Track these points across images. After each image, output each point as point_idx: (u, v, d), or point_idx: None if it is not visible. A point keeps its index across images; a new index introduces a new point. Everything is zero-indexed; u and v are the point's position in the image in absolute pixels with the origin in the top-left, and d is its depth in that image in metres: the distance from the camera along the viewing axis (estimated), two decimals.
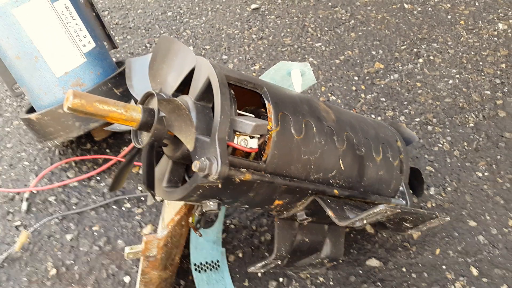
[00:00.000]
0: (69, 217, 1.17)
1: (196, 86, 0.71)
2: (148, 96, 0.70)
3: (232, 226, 1.12)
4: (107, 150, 1.33)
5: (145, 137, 0.70)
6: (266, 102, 0.74)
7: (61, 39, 1.16)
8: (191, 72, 0.72)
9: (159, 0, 2.00)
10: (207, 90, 0.69)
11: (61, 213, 1.17)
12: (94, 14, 1.40)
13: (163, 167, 0.75)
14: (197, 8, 1.93)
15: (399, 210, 0.70)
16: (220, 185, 0.64)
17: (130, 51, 1.73)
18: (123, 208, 1.17)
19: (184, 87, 0.74)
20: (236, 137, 0.68)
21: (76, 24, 1.20)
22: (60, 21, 1.16)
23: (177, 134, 0.64)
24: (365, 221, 0.73)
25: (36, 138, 1.27)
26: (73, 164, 1.31)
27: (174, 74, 0.66)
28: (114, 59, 1.66)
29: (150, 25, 1.85)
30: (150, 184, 0.65)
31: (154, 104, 0.67)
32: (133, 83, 0.74)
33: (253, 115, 0.75)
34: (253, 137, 0.69)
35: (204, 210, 0.71)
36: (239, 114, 0.72)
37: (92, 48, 1.22)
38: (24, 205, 1.20)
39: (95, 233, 1.13)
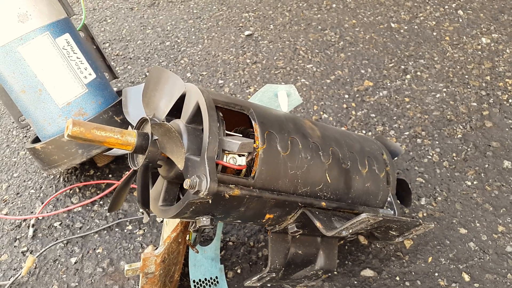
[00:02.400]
0: (74, 241, 1.21)
1: (187, 110, 0.77)
2: (142, 121, 0.75)
3: (230, 243, 1.16)
4: (110, 175, 1.39)
5: (140, 160, 0.75)
6: (253, 122, 0.79)
7: (63, 72, 1.23)
8: (182, 98, 0.78)
9: (157, 31, 2.09)
10: (197, 114, 0.74)
11: (66, 237, 1.22)
12: (94, 47, 1.48)
13: (158, 187, 0.80)
14: (193, 37, 2.01)
15: (381, 218, 0.74)
16: (210, 201, 0.69)
17: (130, 80, 1.80)
18: (125, 230, 1.22)
19: (177, 111, 0.80)
20: (225, 156, 0.73)
21: (77, 58, 1.27)
22: (62, 55, 1.23)
23: (169, 155, 0.69)
24: (350, 230, 0.77)
25: (41, 167, 1.33)
26: (77, 190, 1.36)
27: (165, 100, 0.72)
28: (115, 88, 1.73)
29: (149, 55, 1.93)
30: (144, 203, 0.70)
31: (148, 128, 0.73)
32: (129, 110, 0.80)
33: (241, 135, 0.81)
34: (241, 155, 0.74)
35: (198, 226, 0.76)
36: (228, 134, 0.77)
37: (93, 79, 1.29)
38: (30, 231, 1.25)
39: (98, 255, 1.17)
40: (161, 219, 1.22)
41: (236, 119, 0.89)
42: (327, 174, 0.86)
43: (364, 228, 0.79)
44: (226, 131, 0.77)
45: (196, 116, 0.75)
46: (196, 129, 0.76)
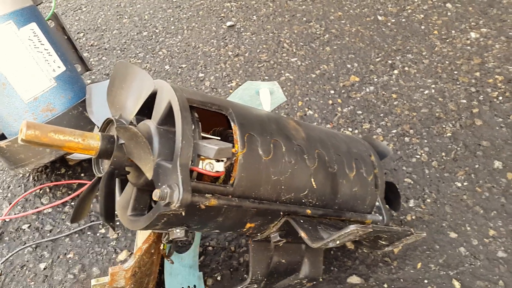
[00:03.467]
0: (43, 245, 1.14)
1: (158, 110, 0.69)
2: (108, 122, 0.68)
3: (210, 248, 1.09)
4: (82, 175, 1.30)
5: (106, 165, 0.68)
6: (232, 124, 0.72)
7: (29, 64, 1.13)
8: (154, 96, 0.71)
9: (134, 20, 1.99)
10: (169, 114, 0.67)
11: (35, 241, 1.14)
12: (65, 37, 1.38)
13: (127, 195, 0.73)
14: (172, 27, 1.92)
15: (371, 230, 0.69)
16: (183, 213, 0.62)
17: (105, 72, 1.71)
18: (97, 234, 1.14)
19: (149, 110, 0.73)
20: (201, 161, 0.66)
21: (45, 49, 1.17)
22: (27, 47, 1.13)
23: (137, 162, 0.62)
24: (338, 242, 0.71)
25: (7, 166, 1.24)
26: (47, 190, 1.28)
27: (133, 100, 0.64)
28: (89, 81, 1.64)
29: (125, 45, 1.83)
30: (108, 216, 0.63)
31: (114, 131, 0.65)
32: (93, 109, 0.72)
33: (219, 138, 0.74)
34: (219, 160, 0.68)
35: (170, 238, 0.69)
36: (204, 137, 0.70)
37: (62, 72, 1.20)
38: None
39: (69, 260, 1.09)
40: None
41: (214, 119, 0.82)
42: (312, 179, 0.80)
43: (352, 239, 0.73)
44: (203, 133, 0.70)
45: (169, 117, 0.67)
46: (169, 131, 0.68)
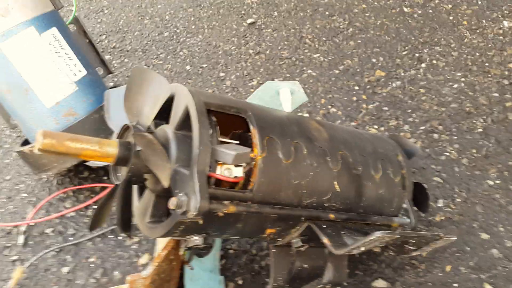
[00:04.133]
0: (66, 249, 1.14)
1: (176, 115, 0.68)
2: (125, 129, 0.67)
3: (231, 251, 1.08)
4: (104, 178, 1.31)
5: (123, 172, 0.67)
6: (251, 127, 0.70)
7: (50, 69, 1.14)
8: (171, 100, 0.69)
9: (155, 21, 2.00)
10: (187, 119, 0.66)
11: (58, 245, 1.15)
12: (87, 41, 1.39)
13: (146, 201, 0.72)
14: (193, 27, 1.91)
15: (398, 236, 0.65)
16: (201, 221, 0.61)
17: (127, 74, 1.71)
18: (119, 238, 1.14)
19: (168, 115, 0.71)
20: (219, 167, 0.65)
21: (66, 53, 1.18)
22: (48, 52, 1.14)
23: (153, 170, 0.60)
24: (362, 248, 0.68)
25: (31, 170, 1.26)
26: (71, 193, 1.29)
27: (150, 105, 0.63)
28: (111, 84, 1.65)
29: (147, 46, 1.84)
30: (125, 225, 0.62)
31: (131, 137, 0.64)
32: (111, 115, 0.72)
33: (237, 142, 0.72)
34: (237, 165, 0.66)
35: (189, 246, 0.68)
36: (222, 142, 0.68)
37: (84, 76, 1.20)
38: (21, 239, 1.18)
39: (91, 264, 1.10)
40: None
41: (233, 120, 0.80)
42: (335, 182, 0.77)
43: (378, 246, 0.70)
44: (222, 137, 0.68)
45: (186, 121, 0.66)
46: (186, 136, 0.67)
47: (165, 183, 0.58)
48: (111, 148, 0.62)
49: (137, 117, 0.66)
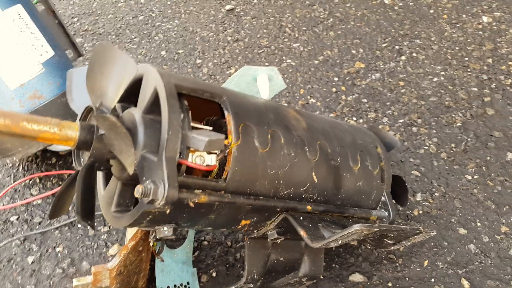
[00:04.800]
0: (32, 237, 1.09)
1: (144, 97, 0.63)
2: (88, 111, 0.62)
3: (206, 242, 1.04)
4: (73, 164, 1.25)
5: (87, 157, 0.62)
6: (226, 113, 0.66)
7: (14, 49, 1.07)
8: (140, 81, 0.64)
9: (130, 4, 1.92)
10: (156, 102, 0.61)
11: (23, 233, 1.09)
12: (56, 21, 1.32)
13: (112, 189, 0.67)
14: (169, 11, 1.85)
15: (377, 229, 0.63)
16: (169, 211, 0.56)
17: None
18: (88, 227, 1.09)
19: (136, 97, 0.66)
20: (191, 154, 0.60)
21: (32, 33, 1.11)
22: (12, 30, 1.07)
23: (117, 155, 0.56)
24: (340, 241, 0.66)
25: None
26: (37, 180, 1.23)
27: (114, 86, 0.58)
28: (83, 67, 1.57)
29: (120, 30, 1.76)
30: (86, 214, 0.57)
31: (94, 119, 0.59)
32: (74, 97, 0.66)
33: (210, 128, 0.67)
34: (210, 153, 0.62)
35: (158, 237, 0.64)
36: (194, 128, 0.64)
37: (51, 57, 1.14)
38: None
39: (58, 254, 1.05)
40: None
41: (207, 106, 0.76)
42: (313, 173, 0.74)
43: (356, 239, 0.67)
44: (194, 123, 0.64)
45: (155, 105, 0.61)
46: (155, 121, 0.62)
47: (130, 169, 0.53)
48: (71, 131, 0.57)
49: (101, 98, 0.61)
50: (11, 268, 1.03)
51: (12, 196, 1.20)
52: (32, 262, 1.03)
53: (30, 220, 1.13)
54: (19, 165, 1.27)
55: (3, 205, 1.18)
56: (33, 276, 1.01)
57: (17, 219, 1.14)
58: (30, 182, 1.23)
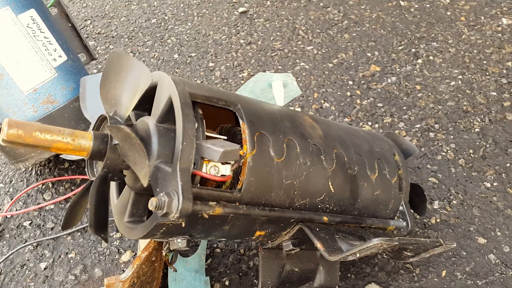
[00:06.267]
0: (44, 243, 1.09)
1: (158, 106, 0.62)
2: (102, 120, 0.61)
3: (218, 250, 1.03)
4: (86, 169, 1.24)
5: (100, 168, 0.61)
6: (241, 122, 0.64)
7: (28, 53, 1.07)
8: (154, 90, 0.63)
9: (143, 7, 1.92)
10: (170, 111, 0.59)
11: (36, 239, 1.09)
12: (69, 25, 1.31)
13: (125, 199, 0.66)
14: (182, 14, 1.84)
15: (397, 243, 0.61)
16: (184, 224, 0.55)
17: None
18: (108, 232, 1.08)
19: (150, 106, 0.65)
20: (205, 164, 0.59)
21: (45, 37, 1.11)
22: (26, 35, 1.07)
23: (131, 166, 0.54)
24: (358, 255, 0.63)
25: (8, 160, 1.19)
26: (50, 185, 1.23)
27: (128, 94, 0.57)
28: (95, 71, 1.57)
29: (133, 33, 1.76)
30: (99, 227, 0.56)
31: (107, 129, 0.58)
32: (87, 105, 0.65)
33: (225, 137, 0.66)
34: (225, 163, 0.60)
35: (171, 248, 0.62)
36: (209, 137, 0.62)
37: (64, 62, 1.13)
38: None
39: (71, 260, 1.04)
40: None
41: (221, 115, 0.74)
42: (330, 183, 0.72)
43: (375, 253, 0.65)
44: (208, 132, 0.63)
45: (169, 114, 0.60)
46: (170, 130, 0.61)
47: (144, 181, 0.52)
48: (85, 141, 0.56)
49: (115, 107, 0.60)
50: (24, 274, 1.03)
51: (25, 201, 1.20)
52: (45, 268, 1.03)
53: (43, 226, 1.13)
54: (31, 169, 1.28)
55: (16, 210, 1.18)
56: (45, 283, 1.00)
57: (30, 224, 1.14)
58: (43, 187, 1.22)
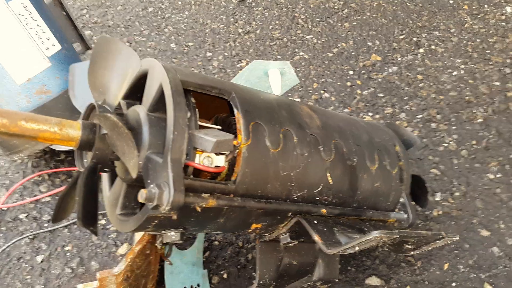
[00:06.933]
0: (41, 236, 1.07)
1: (149, 94, 0.59)
2: (91, 109, 0.58)
3: (216, 242, 1.01)
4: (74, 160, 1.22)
5: (90, 158, 0.58)
6: (235, 111, 0.62)
7: (20, 42, 1.04)
8: (144, 78, 0.61)
9: None
10: (161, 99, 0.57)
11: (32, 232, 1.08)
12: (64, 13, 1.29)
13: (117, 190, 0.64)
14: (179, 2, 1.81)
15: (397, 235, 0.59)
16: (175, 216, 0.53)
17: None
18: (97, 225, 1.07)
19: (141, 94, 0.63)
20: (198, 155, 0.57)
21: (38, 25, 1.08)
22: (18, 23, 1.04)
23: (120, 156, 0.52)
24: (357, 248, 0.61)
25: (2, 152, 1.16)
26: (46, 177, 1.21)
27: (117, 82, 0.55)
28: (86, 62, 1.55)
29: (130, 22, 1.73)
30: (87, 219, 0.54)
31: (96, 118, 0.56)
32: (76, 93, 0.63)
33: (220, 127, 0.64)
34: (219, 154, 0.58)
35: (165, 242, 0.60)
36: (202, 126, 0.60)
37: (58, 51, 1.11)
38: None
39: (67, 253, 1.03)
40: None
41: (216, 104, 0.72)
42: (328, 174, 0.70)
43: (375, 246, 0.63)
44: (202, 121, 0.60)
45: (161, 102, 0.58)
46: (161, 119, 0.58)
47: (133, 172, 0.50)
48: (73, 130, 0.54)
49: (104, 95, 0.58)
50: (20, 267, 1.01)
51: (21, 193, 1.19)
52: (41, 261, 1.02)
53: (39, 218, 1.11)
54: (28, 161, 1.26)
55: (12, 202, 1.16)
56: (42, 276, 0.99)
57: (26, 216, 1.12)
58: (39, 179, 1.21)
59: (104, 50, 0.56)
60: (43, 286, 0.97)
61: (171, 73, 0.56)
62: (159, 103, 0.58)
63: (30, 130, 0.52)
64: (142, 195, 0.50)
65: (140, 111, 0.59)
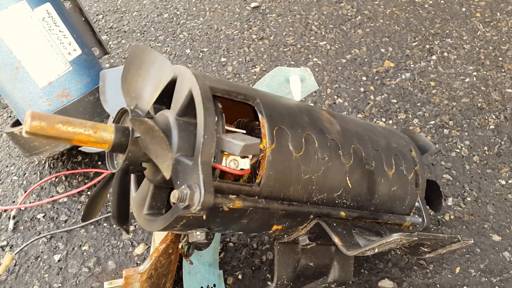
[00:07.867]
0: (58, 235, 1.10)
1: (178, 100, 0.62)
2: (123, 113, 0.61)
3: (231, 244, 1.03)
4: (99, 163, 1.25)
5: (120, 160, 0.61)
6: (260, 116, 0.64)
7: (43, 47, 1.08)
8: (173, 83, 0.63)
9: (155, 2, 1.92)
10: (190, 105, 0.60)
11: (50, 231, 1.10)
12: (83, 19, 1.32)
13: (144, 191, 0.66)
14: (194, 9, 1.84)
15: (416, 238, 0.60)
16: (204, 217, 0.55)
17: (124, 55, 1.64)
18: (114, 226, 1.09)
19: (168, 99, 0.65)
20: (224, 158, 0.59)
21: (60, 31, 1.11)
22: (42, 28, 1.07)
23: (153, 159, 0.55)
24: (376, 250, 0.63)
25: (22, 153, 1.20)
26: (63, 178, 1.24)
27: (150, 88, 0.57)
28: (107, 65, 1.58)
29: (145, 28, 1.76)
30: (121, 219, 0.56)
31: (129, 122, 0.58)
32: (107, 98, 0.65)
33: (244, 131, 0.66)
34: (244, 157, 0.60)
35: (190, 241, 0.63)
36: (228, 131, 0.62)
37: (78, 56, 1.14)
38: (11, 224, 1.13)
39: (84, 253, 1.05)
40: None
41: (238, 109, 0.74)
42: (347, 178, 0.72)
43: (394, 248, 0.65)
44: (226, 126, 0.63)
45: (190, 107, 0.60)
46: (189, 124, 0.61)
47: (166, 174, 0.52)
48: (106, 133, 0.56)
49: (136, 100, 0.60)
50: (38, 266, 1.04)
51: (38, 194, 1.21)
52: (59, 260, 1.04)
53: (56, 218, 1.14)
54: (45, 162, 1.29)
55: (30, 202, 1.19)
56: (59, 274, 1.01)
57: (44, 216, 1.15)
58: (56, 180, 1.23)
59: (138, 58, 0.59)
60: (60, 285, 0.99)
61: (200, 80, 0.59)
62: (187, 108, 0.60)
63: (66, 132, 0.55)
64: (174, 196, 0.52)
65: (169, 116, 0.61)
